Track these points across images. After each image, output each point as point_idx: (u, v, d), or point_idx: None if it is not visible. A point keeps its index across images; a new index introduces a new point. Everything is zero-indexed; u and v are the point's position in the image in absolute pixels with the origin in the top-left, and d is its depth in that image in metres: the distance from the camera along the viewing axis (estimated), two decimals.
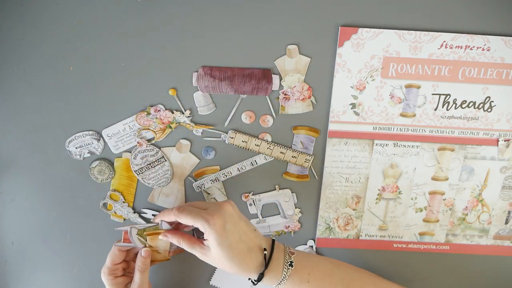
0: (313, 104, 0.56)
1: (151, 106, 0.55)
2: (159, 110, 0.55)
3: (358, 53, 0.54)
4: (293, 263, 0.48)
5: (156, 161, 0.58)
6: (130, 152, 0.57)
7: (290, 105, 0.56)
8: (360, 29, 0.53)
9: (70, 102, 0.55)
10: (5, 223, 0.61)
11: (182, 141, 0.57)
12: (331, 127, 0.57)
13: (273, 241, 0.50)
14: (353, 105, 0.56)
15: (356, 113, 0.56)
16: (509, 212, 0.62)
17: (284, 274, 0.47)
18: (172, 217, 0.49)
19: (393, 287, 0.53)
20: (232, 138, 0.57)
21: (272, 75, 0.54)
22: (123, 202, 0.60)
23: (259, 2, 0.52)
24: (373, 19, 0.53)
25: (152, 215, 0.60)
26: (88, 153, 0.57)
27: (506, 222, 0.63)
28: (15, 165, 0.58)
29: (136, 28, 0.52)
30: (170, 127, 0.56)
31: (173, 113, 0.55)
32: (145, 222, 0.61)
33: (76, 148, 0.57)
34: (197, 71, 0.54)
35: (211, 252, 0.47)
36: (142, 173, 0.58)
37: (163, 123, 0.56)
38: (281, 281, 0.47)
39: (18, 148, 0.57)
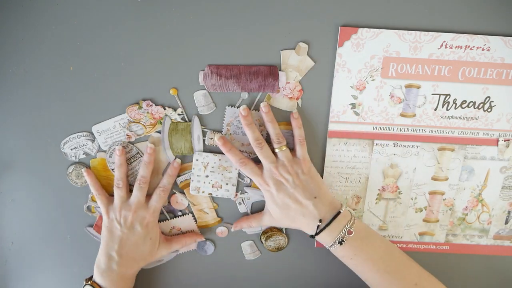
0: (298, 106, 0.56)
1: (144, 100, 0.55)
2: (151, 105, 0.55)
3: (358, 53, 0.54)
4: (343, 242, 0.51)
5: (132, 157, 0.57)
6: (105, 151, 0.57)
7: (277, 98, 0.56)
8: (360, 29, 0.53)
9: (70, 102, 0.55)
10: (5, 223, 0.61)
11: (154, 134, 0.57)
12: (331, 127, 0.57)
13: (337, 213, 0.52)
14: (353, 105, 0.56)
15: (356, 113, 0.56)
16: (509, 212, 0.62)
17: (331, 245, 0.52)
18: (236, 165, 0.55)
19: (435, 283, 0.53)
20: (211, 139, 0.57)
21: (279, 71, 0.54)
22: None
23: (259, 2, 0.52)
24: (373, 19, 0.53)
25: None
26: (83, 154, 0.57)
27: (506, 222, 0.63)
28: (15, 165, 0.58)
29: (136, 28, 0.52)
30: (160, 123, 0.56)
31: (165, 109, 0.55)
32: None
33: (71, 149, 0.57)
34: (204, 70, 0.54)
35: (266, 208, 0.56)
36: None
37: (154, 118, 0.56)
38: (328, 247, 0.53)
39: (18, 148, 0.57)
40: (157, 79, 0.54)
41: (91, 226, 0.61)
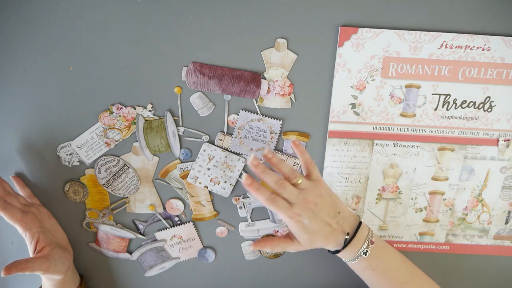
0: (291, 102, 0.56)
1: (112, 104, 0.55)
2: (121, 108, 0.55)
3: (358, 53, 0.54)
4: (368, 253, 0.51)
5: (120, 170, 0.58)
6: (93, 167, 0.57)
7: (269, 98, 0.56)
8: (360, 29, 0.53)
9: (70, 102, 0.55)
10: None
11: (135, 144, 0.57)
12: (331, 127, 0.57)
13: (360, 224, 0.52)
14: (353, 105, 0.56)
15: (356, 113, 0.56)
16: (509, 212, 0.62)
17: (355, 258, 0.52)
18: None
19: None
20: (221, 140, 0.57)
21: (262, 80, 0.54)
22: (102, 216, 0.60)
23: (259, 2, 0.51)
24: (373, 19, 0.53)
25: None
26: (77, 161, 0.57)
27: (506, 222, 0.63)
28: (15, 165, 0.58)
29: (136, 28, 0.52)
30: (134, 123, 0.56)
31: (135, 108, 0.55)
32: (132, 233, 0.61)
33: (67, 155, 0.57)
34: (187, 66, 0.54)
35: (297, 239, 0.51)
36: (111, 185, 0.58)
37: (127, 120, 0.55)
38: (350, 261, 0.52)
39: (18, 148, 0.57)
40: (159, 80, 0.54)
41: (93, 241, 0.62)
